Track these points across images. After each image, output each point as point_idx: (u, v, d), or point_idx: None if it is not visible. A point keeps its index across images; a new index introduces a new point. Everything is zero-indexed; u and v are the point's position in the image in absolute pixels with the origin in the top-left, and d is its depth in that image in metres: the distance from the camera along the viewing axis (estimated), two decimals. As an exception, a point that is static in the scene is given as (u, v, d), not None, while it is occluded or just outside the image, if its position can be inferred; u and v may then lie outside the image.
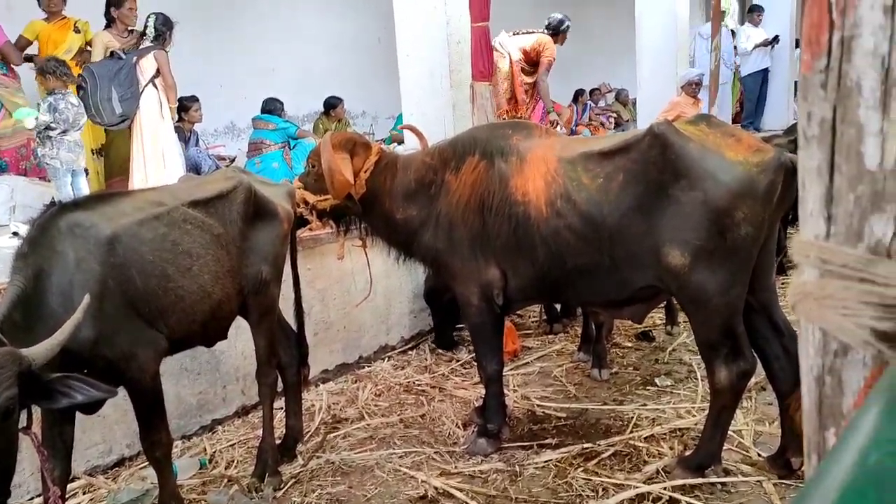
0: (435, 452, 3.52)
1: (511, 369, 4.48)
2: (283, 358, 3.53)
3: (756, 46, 10.47)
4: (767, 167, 2.82)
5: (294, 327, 3.64)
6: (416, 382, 4.40)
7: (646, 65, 8.37)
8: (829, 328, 0.46)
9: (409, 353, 4.96)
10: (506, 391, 3.86)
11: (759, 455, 3.24)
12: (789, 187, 2.87)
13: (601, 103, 13.29)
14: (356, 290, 4.46)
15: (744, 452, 3.30)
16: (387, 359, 4.84)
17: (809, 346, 0.47)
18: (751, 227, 2.84)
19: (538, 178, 3.13)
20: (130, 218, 2.73)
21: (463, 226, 3.32)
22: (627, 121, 12.84)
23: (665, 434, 3.51)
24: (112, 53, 5.68)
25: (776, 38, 10.53)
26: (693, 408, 3.79)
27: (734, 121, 11.94)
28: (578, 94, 12.51)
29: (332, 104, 8.16)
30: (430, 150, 3.58)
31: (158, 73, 5.55)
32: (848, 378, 0.47)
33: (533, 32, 7.22)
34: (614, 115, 13.02)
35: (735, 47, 10.65)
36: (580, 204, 3.03)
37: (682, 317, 4.86)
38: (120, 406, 3.31)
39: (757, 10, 10.77)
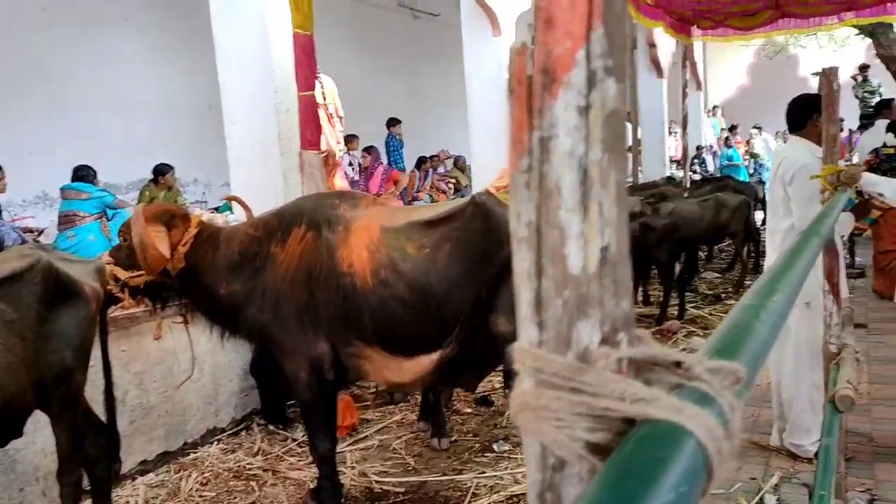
0: (265, 544, 3.28)
1: (349, 444, 4.32)
2: (90, 452, 3.18)
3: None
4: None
5: (104, 417, 3.30)
6: (247, 466, 4.12)
7: (478, 133, 8.72)
8: (546, 441, 0.43)
9: (241, 434, 4.66)
10: (343, 468, 3.71)
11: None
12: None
13: (440, 169, 13.70)
14: (180, 371, 4.15)
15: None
16: (215, 443, 4.50)
17: (531, 460, 0.45)
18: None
19: (363, 248, 3.10)
20: None
21: (290, 299, 3.21)
22: (466, 186, 13.30)
23: (503, 501, 3.50)
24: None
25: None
26: (530, 471, 3.81)
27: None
28: (421, 161, 12.84)
29: (160, 171, 7.76)
30: (254, 221, 3.46)
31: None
32: (566, 495, 0.44)
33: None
34: (453, 181, 13.46)
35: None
36: (406, 273, 3.03)
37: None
38: None
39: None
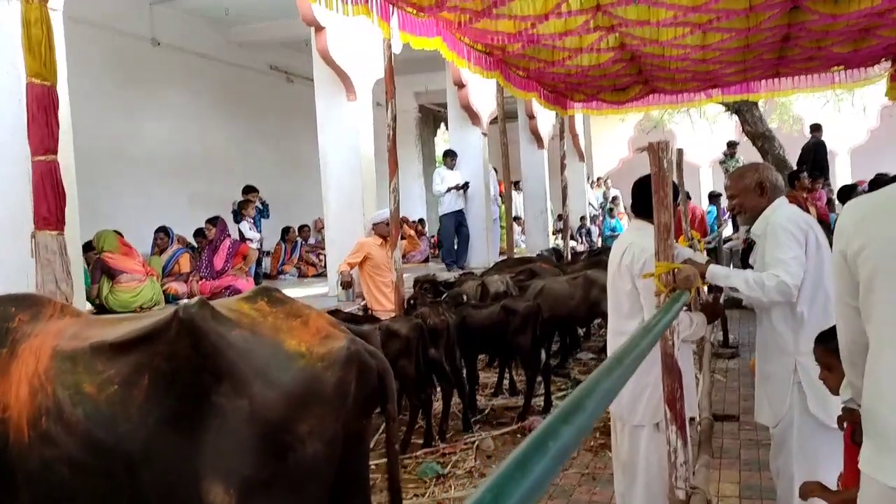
0: None
1: None
2: None
3: (449, 189, 10.72)
4: (335, 360, 2.14)
5: None
6: None
7: (333, 200, 7.93)
8: None
9: None
10: None
11: None
12: (364, 384, 2.20)
13: (311, 240, 12.80)
14: None
15: None
16: None
17: None
18: (320, 443, 2.10)
19: (24, 382, 2.15)
20: None
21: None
22: (339, 259, 12.43)
23: None
24: None
25: (466, 185, 10.89)
26: None
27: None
28: (285, 231, 11.90)
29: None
30: None
31: None
32: None
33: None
34: (324, 253, 12.57)
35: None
36: (78, 423, 2.09)
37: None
38: None
39: (451, 154, 11.16)
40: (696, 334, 3.22)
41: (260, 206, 10.19)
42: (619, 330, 3.29)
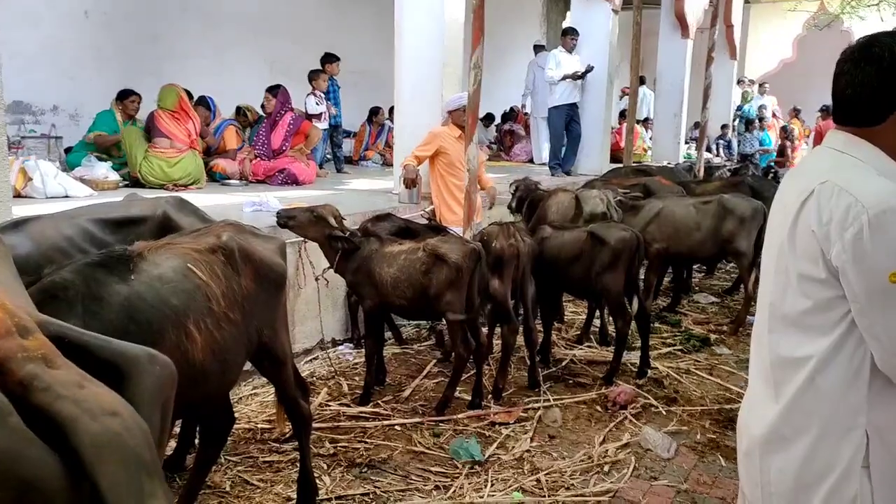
0: None
1: None
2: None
3: (565, 77, 8.81)
4: None
5: None
6: None
7: (406, 80, 6.37)
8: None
9: None
10: None
11: None
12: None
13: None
14: None
15: None
16: None
17: None
18: None
19: None
20: None
21: None
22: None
23: None
24: None
25: (588, 70, 8.92)
26: None
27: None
28: (373, 112, 10.49)
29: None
30: None
31: None
32: None
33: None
34: (416, 139, 11.13)
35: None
36: None
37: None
38: None
39: (570, 33, 9.15)
40: None
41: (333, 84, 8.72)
42: (781, 353, 1.65)
